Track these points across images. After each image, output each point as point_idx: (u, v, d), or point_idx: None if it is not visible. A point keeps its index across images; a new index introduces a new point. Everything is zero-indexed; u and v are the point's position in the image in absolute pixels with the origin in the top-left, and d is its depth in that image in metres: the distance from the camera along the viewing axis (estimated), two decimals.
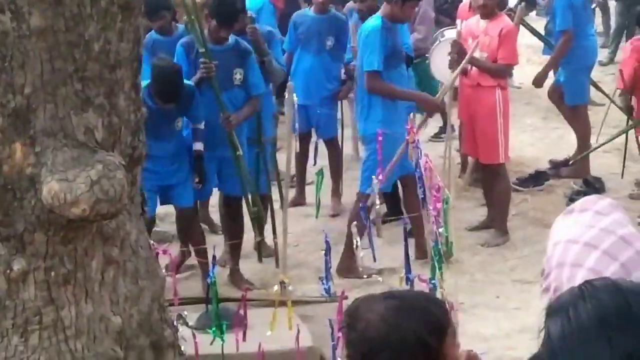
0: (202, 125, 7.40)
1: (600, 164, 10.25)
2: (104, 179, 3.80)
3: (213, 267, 5.65)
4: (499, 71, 8.45)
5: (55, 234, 4.00)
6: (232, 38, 7.57)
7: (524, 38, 11.59)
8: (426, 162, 6.50)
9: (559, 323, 1.91)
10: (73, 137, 3.91)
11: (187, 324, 5.61)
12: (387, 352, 2.39)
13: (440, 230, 5.96)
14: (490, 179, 8.68)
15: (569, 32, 9.67)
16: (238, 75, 7.54)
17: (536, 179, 9.83)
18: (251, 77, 7.60)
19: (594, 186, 9.41)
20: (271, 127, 8.48)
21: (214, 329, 5.35)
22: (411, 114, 7.07)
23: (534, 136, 11.15)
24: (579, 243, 2.36)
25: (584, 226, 2.39)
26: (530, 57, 14.08)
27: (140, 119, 4.30)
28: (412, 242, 6.84)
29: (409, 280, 6.13)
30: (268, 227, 8.10)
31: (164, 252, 5.81)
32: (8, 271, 4.04)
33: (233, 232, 7.85)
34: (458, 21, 9.54)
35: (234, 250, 7.79)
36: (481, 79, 8.47)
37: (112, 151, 4.04)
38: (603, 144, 9.83)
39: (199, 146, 7.36)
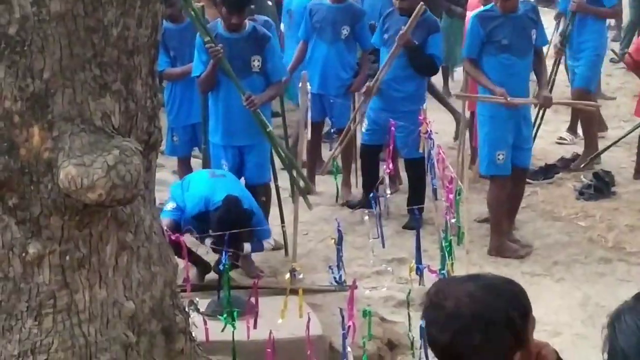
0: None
1: (610, 157, 10.24)
2: (120, 164, 3.82)
3: (225, 255, 5.66)
4: None
5: (71, 218, 4.02)
6: (249, 25, 7.58)
7: None
8: (439, 153, 6.52)
9: (631, 335, 2.02)
10: (90, 122, 3.92)
11: (198, 311, 5.62)
12: (480, 329, 2.39)
13: (453, 221, 5.97)
14: None
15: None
16: (256, 62, 7.54)
17: (546, 172, 9.83)
18: (270, 63, 7.58)
19: (603, 180, 9.41)
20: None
21: (225, 316, 5.36)
22: (424, 105, 7.07)
23: (544, 129, 11.10)
24: None
25: None
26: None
27: (156, 105, 4.31)
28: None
29: (419, 270, 6.14)
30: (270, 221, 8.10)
31: (176, 238, 5.82)
32: (23, 254, 4.06)
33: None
34: (468, 13, 9.54)
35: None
36: None
37: (129, 137, 4.06)
38: (617, 140, 9.82)
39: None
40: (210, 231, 6.81)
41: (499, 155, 7.84)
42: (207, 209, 7.00)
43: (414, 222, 7.33)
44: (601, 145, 9.98)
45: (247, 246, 7.16)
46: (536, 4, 8.22)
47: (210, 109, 7.80)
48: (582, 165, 9.91)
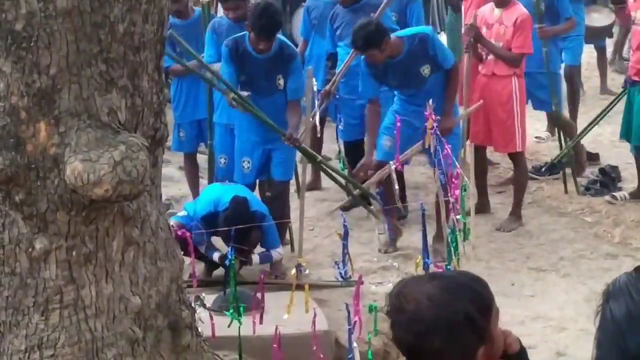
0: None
1: (617, 153, 10.23)
2: (126, 159, 3.82)
3: (231, 250, 5.66)
4: (513, 60, 8.42)
5: (78, 213, 4.04)
6: (277, 43, 7.52)
7: None
8: (445, 149, 6.52)
9: (623, 304, 2.00)
10: (97, 117, 3.93)
11: (204, 306, 5.63)
12: (441, 332, 2.40)
13: (458, 217, 5.97)
14: (486, 164, 8.87)
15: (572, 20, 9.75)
16: (280, 81, 7.51)
17: (552, 168, 9.81)
18: (292, 82, 7.50)
19: (610, 175, 9.40)
20: None
21: (231, 311, 5.36)
22: (430, 101, 7.06)
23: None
24: None
25: None
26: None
27: (162, 100, 4.32)
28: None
29: (425, 265, 6.14)
30: None
31: (183, 234, 5.83)
32: (30, 250, 4.08)
33: (283, 215, 7.83)
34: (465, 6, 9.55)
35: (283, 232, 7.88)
36: (496, 69, 8.45)
37: (135, 132, 4.07)
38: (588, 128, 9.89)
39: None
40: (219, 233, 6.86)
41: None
42: (217, 210, 7.01)
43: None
44: (609, 143, 9.98)
45: (255, 257, 7.18)
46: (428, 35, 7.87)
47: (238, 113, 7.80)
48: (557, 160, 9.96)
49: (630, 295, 2.00)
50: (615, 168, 9.58)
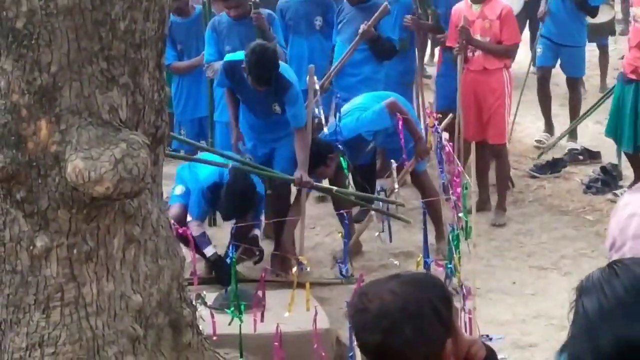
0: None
1: (617, 151, 10.22)
2: (127, 157, 3.82)
3: (232, 248, 5.66)
4: (507, 52, 8.47)
5: (79, 211, 4.03)
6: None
7: None
8: (446, 147, 6.51)
9: (595, 299, 1.98)
10: (98, 115, 3.93)
11: (205, 304, 5.63)
12: (408, 324, 2.39)
13: (460, 214, 5.97)
14: (488, 162, 8.82)
15: None
16: (277, 108, 7.42)
17: (553, 166, 9.81)
18: (290, 111, 7.35)
19: (611, 174, 9.39)
20: None
21: (232, 309, 5.36)
22: (430, 100, 7.07)
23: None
24: None
25: None
26: None
27: (163, 98, 4.31)
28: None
29: (426, 264, 6.14)
30: None
31: (184, 231, 5.83)
32: (31, 247, 4.07)
33: (281, 211, 7.82)
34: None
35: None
36: (487, 63, 8.49)
37: (136, 130, 4.06)
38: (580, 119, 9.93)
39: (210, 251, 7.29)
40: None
41: None
42: (221, 182, 7.05)
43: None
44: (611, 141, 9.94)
45: (256, 231, 7.20)
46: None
47: (242, 120, 7.77)
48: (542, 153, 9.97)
49: (602, 291, 1.98)
50: (616, 166, 9.58)
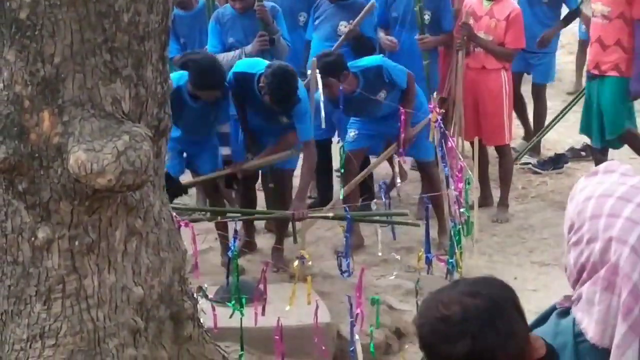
0: (227, 128, 7.39)
1: (622, 149, 10.21)
2: (130, 149, 3.82)
3: (234, 241, 5.66)
4: (506, 55, 8.45)
5: (81, 203, 4.03)
6: None
7: None
8: (449, 142, 6.51)
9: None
10: (100, 107, 3.93)
11: (206, 297, 5.63)
12: (499, 323, 2.29)
13: (462, 210, 5.97)
14: (487, 157, 8.80)
15: None
16: (284, 119, 7.39)
17: (556, 162, 9.81)
18: (298, 125, 7.31)
19: None
20: None
21: (233, 302, 5.36)
22: (434, 94, 7.06)
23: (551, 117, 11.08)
24: (612, 197, 2.43)
25: (614, 184, 2.44)
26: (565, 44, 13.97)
27: (166, 91, 4.31)
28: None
29: (428, 259, 6.14)
30: None
31: (186, 224, 5.82)
32: (33, 239, 4.07)
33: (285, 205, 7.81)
34: None
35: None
36: (486, 62, 8.46)
37: (139, 122, 4.06)
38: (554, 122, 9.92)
39: (226, 151, 7.32)
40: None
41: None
42: (253, 73, 7.11)
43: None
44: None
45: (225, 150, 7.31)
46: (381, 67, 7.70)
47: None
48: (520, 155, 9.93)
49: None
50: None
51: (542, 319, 2.51)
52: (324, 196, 8.37)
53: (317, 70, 7.27)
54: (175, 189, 7.17)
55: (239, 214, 7.26)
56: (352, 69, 7.58)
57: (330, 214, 7.17)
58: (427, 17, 8.49)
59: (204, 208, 7.84)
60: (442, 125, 6.87)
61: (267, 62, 7.23)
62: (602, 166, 2.57)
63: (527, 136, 10.40)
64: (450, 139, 6.75)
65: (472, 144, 8.33)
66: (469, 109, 8.52)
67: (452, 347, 2.27)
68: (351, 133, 7.94)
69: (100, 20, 3.87)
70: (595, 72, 8.54)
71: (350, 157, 7.66)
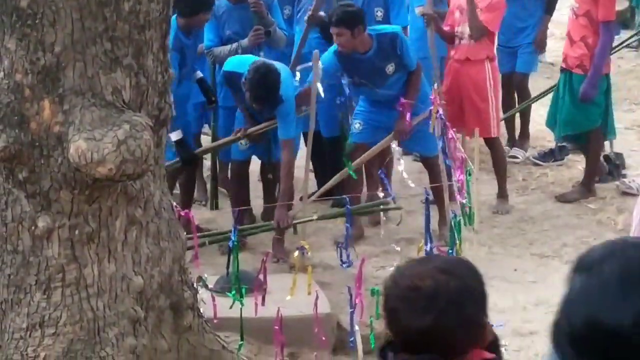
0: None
1: (621, 140, 10.20)
2: (130, 139, 3.82)
3: (234, 231, 5.65)
4: (476, 29, 8.21)
5: (81, 192, 4.03)
6: None
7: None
8: (450, 133, 6.51)
9: (583, 277, 1.96)
10: (101, 96, 3.92)
11: (206, 287, 5.62)
12: (467, 304, 2.32)
13: (464, 201, 5.96)
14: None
15: None
16: (271, 115, 7.48)
17: (556, 154, 9.80)
18: (279, 122, 7.43)
19: (614, 162, 9.37)
20: None
21: (233, 292, 5.36)
22: (435, 85, 7.04)
23: None
24: None
25: None
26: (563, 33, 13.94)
27: (167, 80, 4.30)
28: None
29: (428, 250, 6.13)
30: None
31: (186, 214, 5.82)
32: (33, 228, 4.07)
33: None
34: None
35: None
36: (470, 54, 8.39)
37: (139, 112, 4.06)
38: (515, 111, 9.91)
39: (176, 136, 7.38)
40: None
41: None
42: (242, 73, 7.14)
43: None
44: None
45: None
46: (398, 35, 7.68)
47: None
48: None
49: (592, 269, 1.96)
50: (619, 155, 9.56)
51: None
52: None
53: (319, 61, 7.26)
54: (190, 156, 7.33)
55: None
56: (369, 30, 7.56)
57: (315, 217, 7.16)
58: (379, 13, 8.37)
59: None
60: (444, 118, 6.85)
61: (257, 58, 7.24)
62: None
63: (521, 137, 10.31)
64: (451, 131, 6.74)
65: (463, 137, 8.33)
66: (453, 101, 8.44)
67: (415, 318, 2.30)
68: (356, 124, 7.92)
69: (101, 9, 3.86)
70: (564, 65, 8.59)
71: (356, 148, 7.67)
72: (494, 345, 2.42)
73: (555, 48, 12.47)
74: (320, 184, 8.21)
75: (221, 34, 8.05)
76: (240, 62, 7.38)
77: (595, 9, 8.15)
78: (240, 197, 7.81)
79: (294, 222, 7.28)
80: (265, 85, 7.02)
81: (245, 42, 7.88)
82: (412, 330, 2.31)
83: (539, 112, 10.98)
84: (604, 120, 8.70)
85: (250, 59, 7.39)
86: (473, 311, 2.34)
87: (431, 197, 6.87)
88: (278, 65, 7.36)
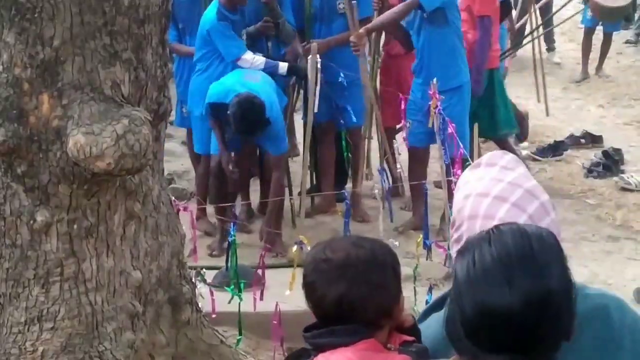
0: None
1: (620, 135, 10.23)
2: (129, 133, 3.81)
3: (233, 226, 5.66)
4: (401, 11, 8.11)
5: (79, 186, 4.02)
6: None
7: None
8: (449, 128, 6.50)
9: (465, 265, 2.02)
10: (100, 90, 3.91)
11: (205, 282, 5.63)
12: (375, 273, 2.46)
13: None
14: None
15: None
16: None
17: (555, 149, 9.81)
18: (269, 142, 7.53)
19: (613, 158, 9.39)
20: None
21: (232, 287, 5.36)
22: (434, 80, 7.03)
23: (553, 106, 11.07)
24: (489, 196, 2.41)
25: (492, 180, 2.45)
26: (566, 31, 13.94)
27: (166, 75, 4.30)
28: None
29: (426, 245, 6.14)
30: None
31: (185, 209, 5.82)
32: (31, 222, 4.07)
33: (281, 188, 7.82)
34: None
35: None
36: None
37: (138, 106, 4.05)
38: None
39: None
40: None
41: None
42: (225, 103, 7.13)
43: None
44: (613, 125, 9.94)
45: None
46: None
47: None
48: None
49: (472, 256, 2.02)
50: (618, 150, 9.58)
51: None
52: (341, 187, 8.25)
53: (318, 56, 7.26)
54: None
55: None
56: None
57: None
58: (341, 6, 8.26)
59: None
60: (442, 113, 6.83)
61: (239, 90, 7.23)
62: (484, 158, 2.55)
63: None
64: (451, 126, 6.73)
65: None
66: (390, 95, 8.35)
67: (327, 288, 2.45)
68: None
69: (100, 3, 3.85)
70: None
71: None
72: (414, 329, 2.51)
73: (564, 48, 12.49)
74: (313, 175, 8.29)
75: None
76: (225, 91, 7.34)
77: (474, 4, 8.09)
78: (221, 193, 7.74)
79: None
80: (249, 119, 7.08)
81: (251, 29, 7.85)
82: (327, 300, 2.46)
83: (538, 107, 11.01)
84: (484, 118, 8.21)
85: (233, 85, 7.35)
86: (382, 280, 2.47)
87: (430, 192, 6.87)
88: (260, 83, 7.38)
